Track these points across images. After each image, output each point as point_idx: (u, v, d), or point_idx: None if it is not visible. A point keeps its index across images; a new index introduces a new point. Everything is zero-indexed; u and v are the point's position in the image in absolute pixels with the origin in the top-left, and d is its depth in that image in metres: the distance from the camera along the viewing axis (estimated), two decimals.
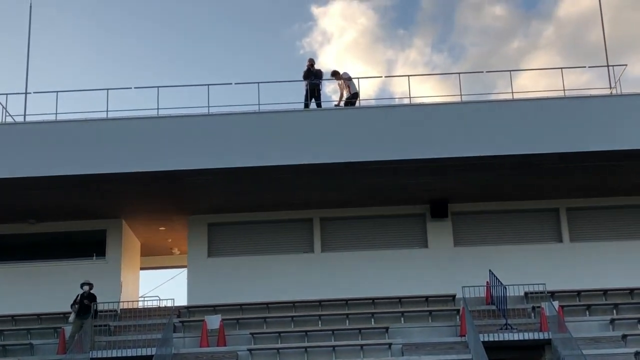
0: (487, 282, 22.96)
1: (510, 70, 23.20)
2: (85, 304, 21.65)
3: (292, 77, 55.16)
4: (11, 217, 24.47)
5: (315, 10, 56.45)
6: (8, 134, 22.23)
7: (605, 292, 23.18)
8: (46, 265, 24.53)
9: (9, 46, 52.81)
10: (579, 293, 23.19)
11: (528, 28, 57.45)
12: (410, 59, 57.43)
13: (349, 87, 23.65)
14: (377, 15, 57.81)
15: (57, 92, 22.80)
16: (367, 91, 23.54)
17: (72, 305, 21.78)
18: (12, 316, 23.55)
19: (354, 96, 23.50)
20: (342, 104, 23.68)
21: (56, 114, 22.60)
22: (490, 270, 22.70)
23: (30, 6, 24.82)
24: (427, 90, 41.86)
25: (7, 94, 23.27)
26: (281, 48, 57.11)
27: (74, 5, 53.26)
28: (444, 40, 57.30)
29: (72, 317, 21.60)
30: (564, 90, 22.75)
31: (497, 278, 22.14)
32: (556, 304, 21.04)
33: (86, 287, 21.91)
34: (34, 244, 25.05)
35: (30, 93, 23.50)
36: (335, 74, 24.06)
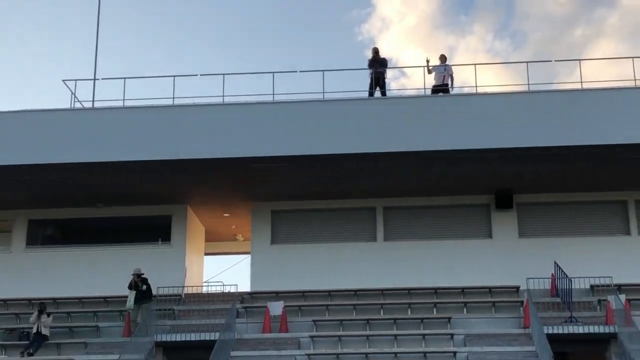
0: (552, 274, 22.67)
1: (579, 60, 22.83)
2: (143, 289, 22.05)
3: (350, 64, 55.42)
4: (80, 201, 24.93)
5: None
6: (76, 119, 22.65)
7: None
8: (113, 249, 24.92)
9: (79, 32, 53.71)
10: None
11: (591, 15, 56.46)
12: (471, 46, 56.96)
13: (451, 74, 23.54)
14: (438, 1, 57.35)
15: (125, 78, 23.17)
16: (429, 79, 23.33)
17: (129, 288, 22.17)
18: (80, 298, 24.04)
19: (446, 85, 23.34)
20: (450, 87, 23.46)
21: (124, 100, 22.98)
22: (555, 262, 22.42)
23: None
24: (490, 78, 41.41)
25: (76, 80, 23.70)
26: (340, 34, 57.03)
27: None
28: (505, 27, 56.68)
29: (130, 303, 21.94)
30: (635, 80, 22.27)
31: (562, 270, 21.86)
32: (623, 297, 20.71)
33: (138, 274, 22.31)
34: (101, 228, 25.49)
35: (98, 79, 23.95)
36: (445, 58, 23.88)
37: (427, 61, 23.43)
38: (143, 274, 22.41)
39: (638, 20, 55.93)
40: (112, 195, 24.49)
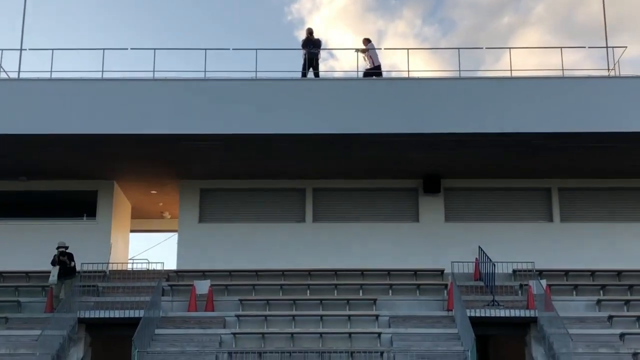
0: (476, 258, 23.05)
1: (510, 48, 23.11)
2: (68, 265, 21.66)
3: (279, 44, 55.31)
4: (3, 174, 24.37)
5: None
6: (2, 90, 22.05)
7: (592, 273, 23.29)
8: (37, 223, 24.46)
9: (5, 1, 52.28)
10: (566, 273, 23.29)
11: (519, 3, 57.21)
12: (399, 30, 57.27)
13: (371, 57, 23.46)
14: None
15: (53, 49, 22.64)
16: (361, 62, 23.41)
17: (52, 264, 21.77)
18: (1, 273, 23.54)
19: (377, 68, 23.34)
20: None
21: (51, 72, 22.45)
22: (479, 247, 22.80)
23: None
24: (418, 63, 41.76)
25: (2, 50, 23.08)
26: (269, 14, 56.59)
27: None
28: (434, 13, 57.10)
29: (53, 279, 21.53)
30: (562, 70, 22.70)
31: (486, 255, 22.23)
32: (544, 282, 21.15)
33: (62, 249, 21.89)
34: (25, 201, 24.98)
35: (25, 49, 23.31)
36: (367, 41, 23.80)
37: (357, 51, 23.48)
38: (67, 248, 22.00)
39: (563, 11, 56.97)
40: (36, 169, 23.99)
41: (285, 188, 25.05)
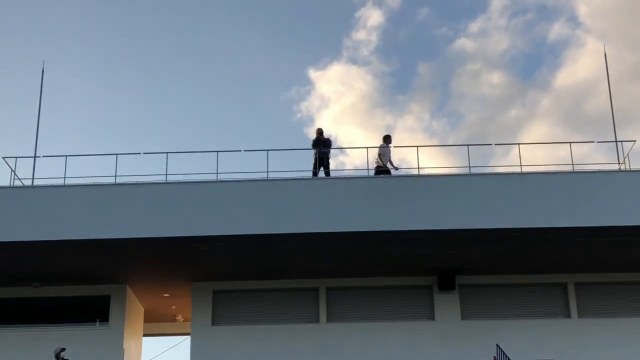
0: (495, 357, 22.66)
1: (518, 144, 23.30)
2: None
3: (289, 142, 55.64)
4: (16, 281, 24.33)
5: (313, 74, 56.74)
6: (16, 197, 22.24)
7: None
8: (49, 330, 24.25)
9: (19, 109, 53.27)
10: None
11: (525, 97, 57.83)
12: (408, 125, 57.78)
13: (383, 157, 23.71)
14: (376, 81, 58.24)
15: (67, 156, 22.92)
16: (371, 158, 23.62)
17: None
18: None
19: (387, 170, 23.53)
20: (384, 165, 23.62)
21: (65, 178, 22.68)
22: (497, 345, 22.43)
23: (43, 70, 25.10)
24: (428, 158, 41.75)
25: (16, 157, 23.37)
26: (278, 111, 57.23)
27: (84, 70, 53.82)
28: (442, 107, 57.70)
29: None
30: (572, 164, 22.79)
31: (504, 353, 21.87)
32: None
33: (63, 353, 21.42)
34: (38, 308, 24.86)
35: (39, 157, 23.62)
36: (388, 139, 24.10)
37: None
38: (65, 350, 21.45)
39: (570, 103, 57.55)
40: (49, 274, 23.95)
41: (299, 288, 24.88)
